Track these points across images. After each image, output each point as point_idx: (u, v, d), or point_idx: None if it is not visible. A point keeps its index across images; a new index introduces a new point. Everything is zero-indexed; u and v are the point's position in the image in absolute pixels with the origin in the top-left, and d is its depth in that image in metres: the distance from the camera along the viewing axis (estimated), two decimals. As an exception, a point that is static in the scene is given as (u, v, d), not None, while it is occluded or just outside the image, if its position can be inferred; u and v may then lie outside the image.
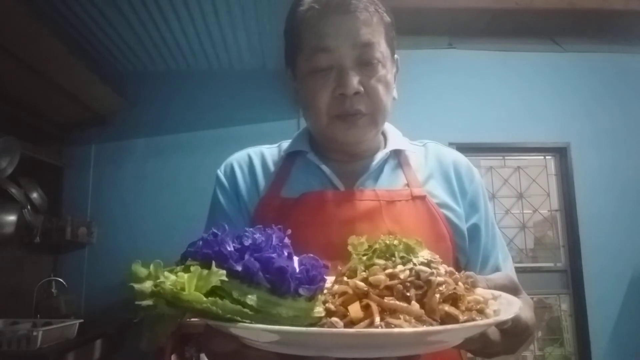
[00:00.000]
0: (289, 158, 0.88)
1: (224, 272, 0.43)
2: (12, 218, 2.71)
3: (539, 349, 3.22)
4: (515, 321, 0.54)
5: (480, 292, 0.56)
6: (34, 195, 3.04)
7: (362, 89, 0.77)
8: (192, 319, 0.45)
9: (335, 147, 0.85)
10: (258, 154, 0.91)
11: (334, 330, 0.44)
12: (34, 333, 2.22)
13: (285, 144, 0.92)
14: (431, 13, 3.21)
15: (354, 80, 0.76)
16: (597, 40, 3.46)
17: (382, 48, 0.80)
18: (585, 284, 3.13)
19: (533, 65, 3.42)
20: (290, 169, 0.87)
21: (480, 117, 3.30)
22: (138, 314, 0.43)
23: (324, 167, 0.84)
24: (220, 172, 0.90)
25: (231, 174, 0.89)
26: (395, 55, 0.86)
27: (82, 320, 2.61)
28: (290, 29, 0.83)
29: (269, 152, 0.92)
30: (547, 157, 3.45)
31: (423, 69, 3.23)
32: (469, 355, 0.80)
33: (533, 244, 3.37)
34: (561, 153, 3.37)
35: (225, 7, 2.76)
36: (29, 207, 2.89)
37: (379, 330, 0.44)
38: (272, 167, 0.89)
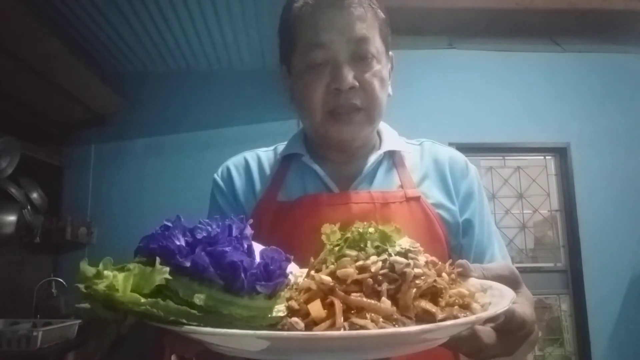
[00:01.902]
0: (285, 161, 0.89)
1: (167, 269, 0.39)
2: (12, 218, 2.71)
3: (539, 349, 3.22)
4: (509, 316, 0.49)
5: (471, 283, 0.52)
6: (34, 195, 3.03)
7: (357, 83, 0.77)
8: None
9: (330, 145, 0.85)
10: (254, 158, 0.91)
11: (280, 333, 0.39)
12: (34, 333, 2.22)
13: (281, 146, 0.92)
14: (431, 13, 3.21)
15: (349, 75, 0.76)
16: (597, 40, 3.46)
17: (376, 43, 0.80)
18: (585, 284, 3.13)
19: (533, 65, 3.42)
20: (286, 172, 0.87)
21: (480, 117, 3.29)
22: (83, 317, 0.40)
23: (319, 170, 0.84)
24: (218, 176, 0.90)
25: (228, 177, 0.89)
26: (390, 52, 0.86)
27: (82, 320, 2.61)
28: (285, 25, 0.83)
29: (265, 156, 0.92)
30: (547, 157, 3.45)
31: (423, 69, 3.22)
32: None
33: (533, 244, 3.37)
34: (561, 153, 3.36)
35: (225, 7, 2.76)
36: (29, 207, 2.89)
37: (343, 332, 0.39)
38: (268, 170, 0.89)
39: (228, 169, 0.90)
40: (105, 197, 3.40)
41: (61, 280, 2.99)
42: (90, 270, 0.40)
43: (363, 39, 0.77)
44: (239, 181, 0.88)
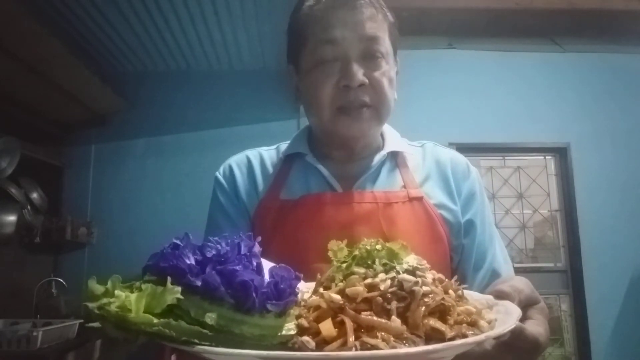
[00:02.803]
0: (288, 160, 0.88)
1: (179, 289, 0.39)
2: (12, 218, 2.71)
3: (539, 349, 3.22)
4: (517, 333, 0.49)
5: (475, 298, 0.52)
6: (34, 195, 3.03)
7: (366, 80, 0.77)
8: None
9: (336, 143, 0.85)
10: (257, 156, 0.91)
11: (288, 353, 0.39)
12: (34, 333, 2.22)
13: (284, 145, 0.92)
14: (431, 13, 3.21)
15: (359, 72, 0.77)
16: (597, 40, 3.46)
17: (386, 44, 0.80)
18: (585, 284, 3.13)
19: (533, 65, 3.42)
20: (288, 171, 0.87)
21: (480, 117, 3.29)
22: (91, 336, 0.40)
23: (322, 169, 0.84)
24: (219, 174, 0.90)
25: (230, 176, 0.89)
26: (397, 57, 0.87)
27: (82, 320, 2.61)
28: (296, 23, 0.84)
29: (267, 154, 0.92)
30: (547, 157, 3.45)
31: (423, 69, 3.22)
32: None
33: (533, 244, 3.37)
34: (561, 153, 3.36)
35: (225, 8, 2.76)
36: (29, 207, 2.89)
37: (357, 352, 0.39)
38: (270, 169, 0.89)
39: (230, 167, 0.90)
40: (105, 197, 3.40)
41: (61, 280, 2.99)
42: (99, 289, 0.40)
43: (373, 38, 0.78)
44: (241, 179, 0.88)
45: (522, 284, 0.56)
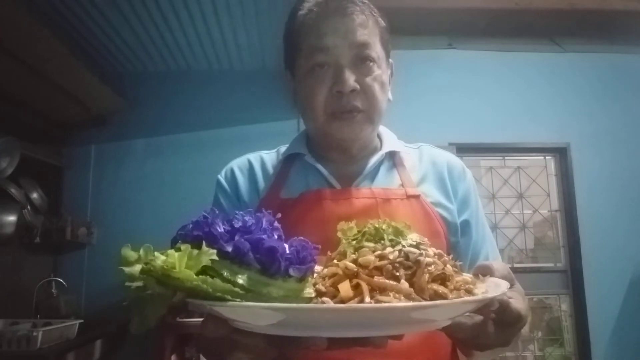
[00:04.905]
0: (287, 161, 0.91)
1: (215, 251, 0.43)
2: (12, 218, 2.71)
3: (539, 349, 3.22)
4: (504, 305, 0.55)
5: (469, 275, 0.58)
6: (34, 195, 3.03)
7: (358, 86, 0.80)
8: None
9: (332, 146, 0.87)
10: (257, 159, 0.94)
11: (328, 306, 0.44)
12: (34, 333, 2.22)
13: (284, 148, 0.95)
14: (431, 13, 3.21)
15: (351, 78, 0.79)
16: (597, 40, 3.46)
17: (377, 49, 0.83)
18: (585, 284, 3.13)
19: (533, 65, 3.42)
20: (288, 171, 0.89)
21: (480, 117, 3.29)
22: (127, 297, 0.43)
23: (321, 168, 0.86)
24: (221, 177, 0.92)
25: (232, 178, 0.91)
26: (390, 60, 0.89)
27: (82, 320, 2.61)
28: (291, 31, 0.87)
29: (268, 157, 0.94)
30: (547, 157, 3.45)
31: (423, 69, 3.22)
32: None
33: (533, 244, 3.37)
34: (561, 153, 3.36)
35: (225, 7, 2.76)
36: (29, 207, 2.89)
37: (375, 305, 0.44)
38: (271, 170, 0.91)
39: (232, 170, 0.92)
40: (105, 197, 3.40)
41: (61, 280, 2.99)
42: (133, 255, 0.44)
43: (364, 44, 0.81)
44: (242, 181, 0.90)
45: (498, 265, 0.61)
